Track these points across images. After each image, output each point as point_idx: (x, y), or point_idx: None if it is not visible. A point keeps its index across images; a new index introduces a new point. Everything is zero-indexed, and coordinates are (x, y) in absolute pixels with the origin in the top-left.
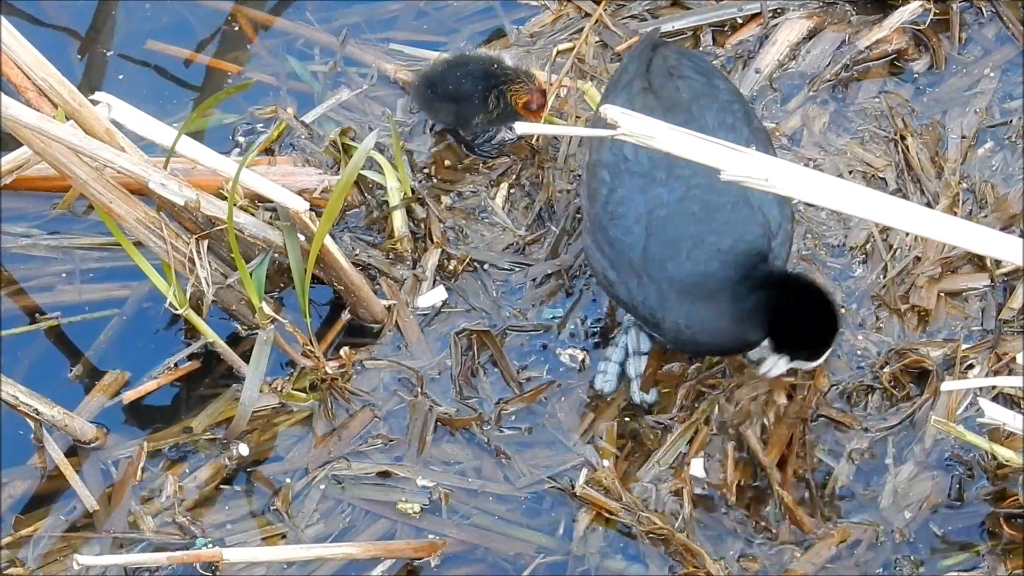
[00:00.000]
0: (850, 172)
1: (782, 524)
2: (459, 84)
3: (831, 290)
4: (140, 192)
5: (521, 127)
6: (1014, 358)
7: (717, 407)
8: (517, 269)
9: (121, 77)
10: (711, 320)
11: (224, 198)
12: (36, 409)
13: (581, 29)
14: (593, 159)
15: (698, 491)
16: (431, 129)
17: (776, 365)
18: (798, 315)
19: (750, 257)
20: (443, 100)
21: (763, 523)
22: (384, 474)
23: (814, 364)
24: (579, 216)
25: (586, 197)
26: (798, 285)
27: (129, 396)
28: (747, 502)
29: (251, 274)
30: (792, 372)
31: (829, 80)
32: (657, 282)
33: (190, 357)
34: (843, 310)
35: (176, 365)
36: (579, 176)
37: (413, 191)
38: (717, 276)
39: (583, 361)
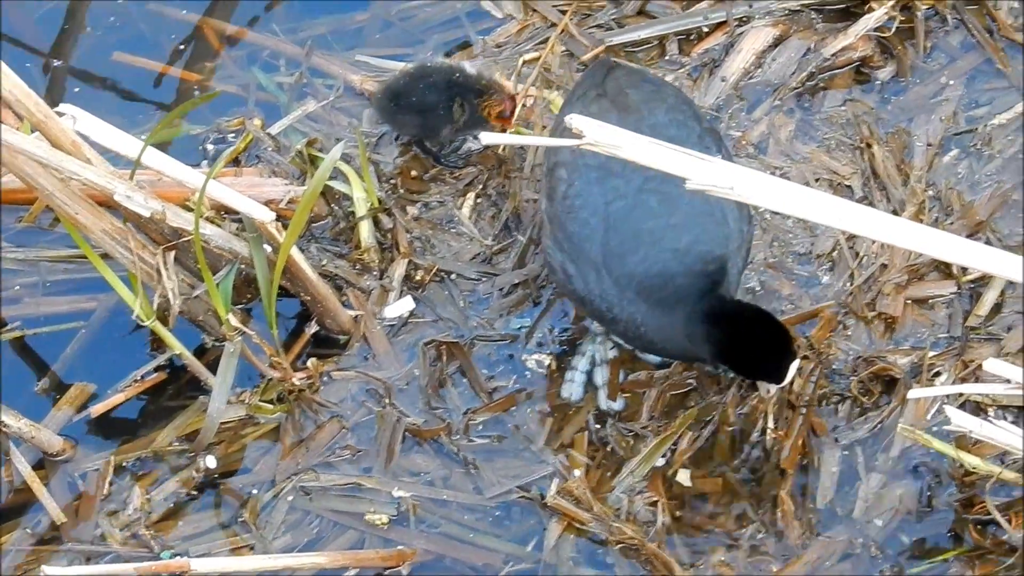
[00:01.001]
0: (816, 180)
1: (768, 535)
2: (423, 96)
3: (778, 318)
4: (106, 204)
5: (487, 137)
6: (980, 365)
7: (717, 414)
8: (484, 279)
9: (77, 90)
10: (665, 328)
11: (191, 209)
12: (3, 421)
13: (547, 39)
14: (552, 162)
15: (677, 500)
16: (397, 140)
17: (769, 388)
18: (750, 347)
19: (708, 262)
20: (407, 112)
21: (745, 533)
22: (352, 485)
23: (778, 387)
24: None
25: (545, 198)
26: (746, 316)
27: (97, 409)
28: (731, 512)
29: (218, 285)
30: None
31: (795, 88)
32: (615, 276)
33: (157, 369)
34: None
35: (143, 377)
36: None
37: (380, 202)
38: (676, 281)
39: (550, 367)
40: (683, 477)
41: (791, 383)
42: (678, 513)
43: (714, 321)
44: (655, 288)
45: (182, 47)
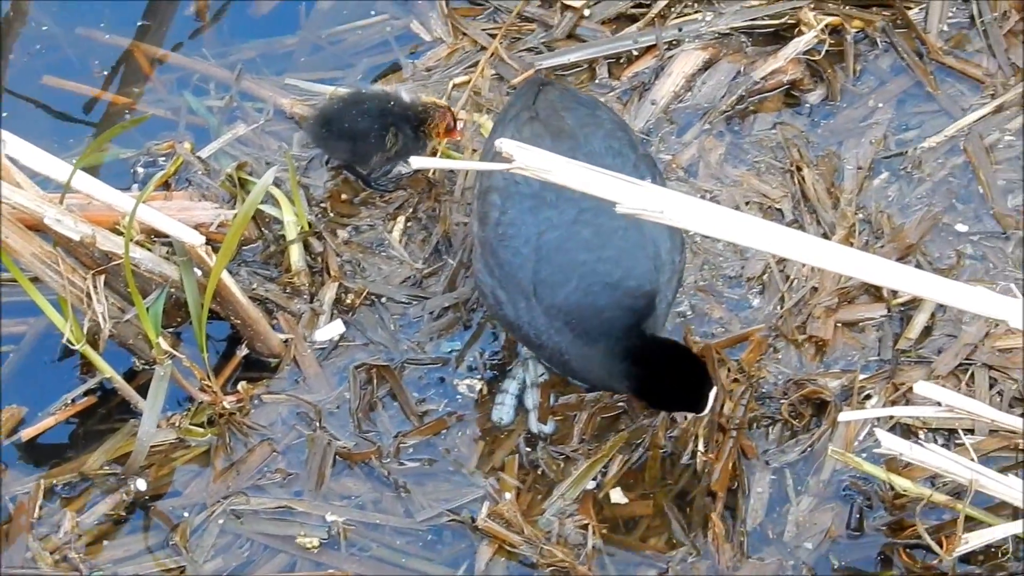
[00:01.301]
0: (747, 203)
1: (699, 557)
2: (355, 122)
3: (691, 349)
4: (36, 227)
5: (417, 161)
6: (911, 388)
7: (648, 436)
8: (415, 302)
9: (6, 114)
10: (587, 359)
11: (121, 233)
12: None
13: (477, 63)
14: (484, 186)
15: (608, 523)
16: (327, 163)
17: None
18: (666, 383)
19: (636, 297)
20: (339, 138)
21: (676, 555)
22: (283, 508)
23: (700, 415)
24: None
25: (477, 222)
26: (660, 353)
27: (28, 433)
28: (661, 534)
29: (148, 309)
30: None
31: (725, 111)
32: (545, 306)
33: (87, 392)
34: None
35: (73, 401)
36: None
37: (310, 225)
38: (603, 315)
39: (481, 391)
40: (616, 496)
41: (720, 407)
42: (608, 535)
43: (632, 359)
44: (582, 320)
45: (112, 71)
